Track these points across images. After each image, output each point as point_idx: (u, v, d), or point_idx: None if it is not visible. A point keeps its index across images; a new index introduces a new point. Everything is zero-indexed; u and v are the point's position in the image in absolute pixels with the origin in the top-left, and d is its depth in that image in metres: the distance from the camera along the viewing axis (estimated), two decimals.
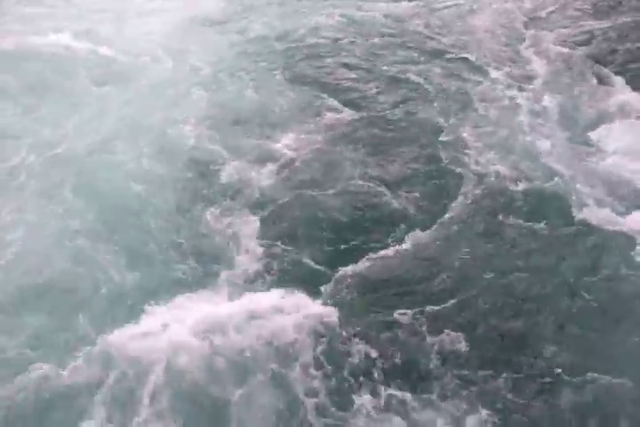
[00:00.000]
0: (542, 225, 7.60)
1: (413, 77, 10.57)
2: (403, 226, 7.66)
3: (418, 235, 7.52)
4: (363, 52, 11.33)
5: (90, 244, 7.36)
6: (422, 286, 6.96)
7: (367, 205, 8.01)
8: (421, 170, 8.57)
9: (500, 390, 5.98)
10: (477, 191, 8.11)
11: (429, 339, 6.40)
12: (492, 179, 8.26)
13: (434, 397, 5.94)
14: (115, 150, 8.91)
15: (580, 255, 7.25)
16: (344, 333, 6.45)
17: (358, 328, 6.52)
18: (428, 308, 6.70)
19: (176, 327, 6.40)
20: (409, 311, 6.65)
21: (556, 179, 8.14)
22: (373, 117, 9.60)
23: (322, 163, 8.69)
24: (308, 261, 7.24)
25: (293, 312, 6.56)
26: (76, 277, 6.98)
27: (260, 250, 7.34)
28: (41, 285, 6.90)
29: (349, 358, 6.24)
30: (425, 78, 10.51)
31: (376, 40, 11.72)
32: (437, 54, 11.22)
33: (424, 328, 6.49)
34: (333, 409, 5.83)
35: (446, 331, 6.46)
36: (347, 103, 9.89)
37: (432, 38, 11.74)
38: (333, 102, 9.93)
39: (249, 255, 7.28)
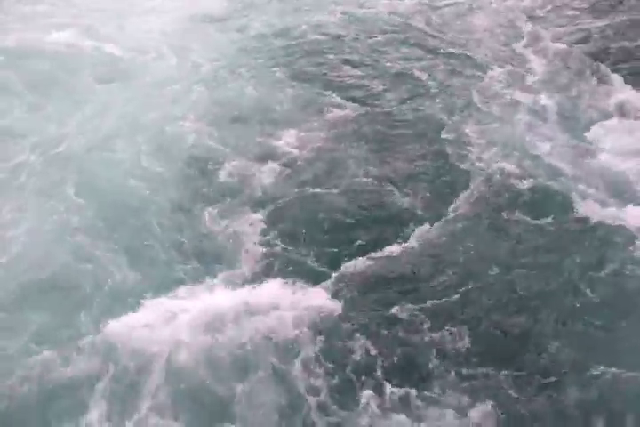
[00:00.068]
0: (546, 222, 7.59)
1: (416, 74, 10.56)
2: (406, 223, 7.64)
3: (421, 232, 7.50)
4: (365, 49, 11.32)
5: (90, 241, 7.36)
6: (425, 282, 6.95)
7: (370, 202, 7.99)
8: (425, 167, 8.56)
9: (503, 387, 5.96)
10: (481, 188, 8.09)
11: (432, 335, 6.38)
12: (496, 176, 8.25)
13: (436, 393, 5.92)
14: (117, 148, 8.89)
15: (583, 252, 7.24)
16: (346, 329, 6.44)
17: (361, 324, 6.50)
18: (432, 304, 6.69)
19: (177, 322, 6.40)
20: (412, 308, 6.63)
21: (558, 176, 8.14)
22: (376, 114, 9.60)
23: (324, 160, 8.67)
24: (310, 257, 7.23)
25: (295, 308, 6.54)
26: (77, 273, 6.97)
27: (261, 247, 7.33)
28: (43, 280, 6.90)
29: (351, 355, 6.22)
30: (428, 75, 10.50)
31: (378, 37, 11.72)
32: (439, 52, 11.21)
33: (427, 325, 6.48)
34: (335, 407, 5.81)
35: (450, 327, 6.44)
36: (349, 100, 9.88)
37: (433, 36, 11.74)
38: (336, 99, 9.91)
39: (250, 252, 7.26)
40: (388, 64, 10.85)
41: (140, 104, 9.82)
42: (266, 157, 8.70)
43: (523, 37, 11.53)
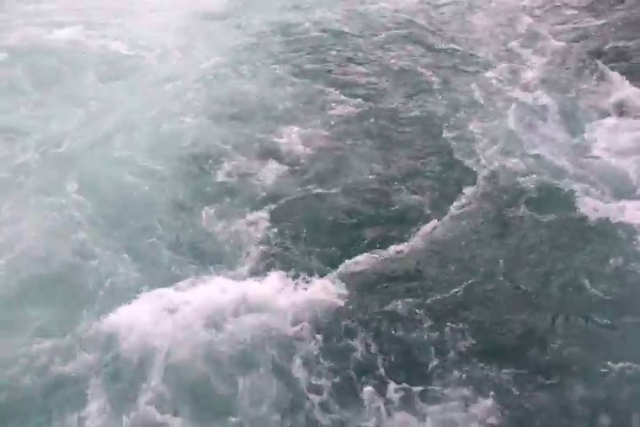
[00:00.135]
0: (548, 219, 7.57)
1: (418, 71, 10.57)
2: (410, 220, 7.62)
3: (425, 229, 7.49)
4: (367, 46, 11.31)
5: (92, 237, 7.36)
6: (428, 279, 6.93)
7: (373, 200, 7.98)
8: (429, 164, 8.54)
9: (507, 384, 5.93)
10: (485, 186, 8.08)
11: (435, 333, 6.36)
12: (498, 173, 8.24)
13: (439, 390, 5.88)
14: (119, 146, 8.87)
15: (587, 248, 7.23)
16: (348, 326, 6.41)
17: (363, 321, 6.47)
18: (435, 301, 6.67)
19: (177, 317, 6.39)
20: (414, 305, 6.61)
21: (559, 173, 8.11)
22: (379, 111, 9.58)
23: (327, 157, 8.66)
24: (312, 254, 7.20)
25: (296, 304, 6.51)
26: (78, 268, 6.98)
27: (263, 243, 7.31)
28: (45, 275, 6.91)
29: (353, 352, 6.19)
30: (430, 73, 10.49)
31: (380, 34, 11.73)
32: (440, 49, 11.23)
33: (430, 322, 6.45)
34: (336, 404, 5.78)
35: (452, 324, 6.41)
36: (352, 97, 9.86)
37: (434, 33, 11.76)
38: (339, 96, 9.90)
39: (251, 249, 7.24)
40: (391, 61, 10.85)
41: (141, 102, 9.82)
42: (269, 154, 8.68)
43: (522, 35, 11.54)
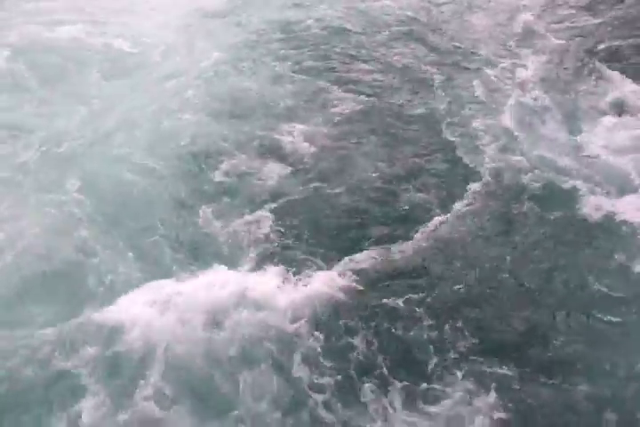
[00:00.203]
0: (551, 216, 7.60)
1: (421, 69, 10.60)
2: (413, 218, 7.63)
3: (429, 227, 7.49)
4: (370, 44, 11.31)
5: (92, 233, 7.38)
6: (431, 277, 6.93)
7: (375, 197, 7.98)
8: (432, 162, 8.56)
9: (511, 382, 5.94)
10: (488, 183, 8.10)
11: (438, 330, 6.37)
12: (501, 171, 8.26)
13: (442, 387, 5.90)
14: (121, 144, 8.86)
15: (589, 245, 7.26)
16: (350, 323, 6.42)
17: (365, 318, 6.47)
18: (438, 299, 6.67)
19: (177, 312, 6.42)
20: (417, 301, 6.61)
21: (560, 171, 8.15)
22: (382, 109, 9.59)
23: (329, 155, 8.65)
24: (313, 251, 7.20)
25: (296, 301, 6.52)
26: (79, 264, 7.01)
27: (264, 241, 7.33)
28: (46, 270, 6.94)
29: (354, 349, 6.20)
30: (432, 70, 10.52)
31: (382, 31, 11.73)
32: (441, 46, 11.25)
33: (433, 319, 6.46)
34: (337, 402, 5.80)
35: (455, 321, 6.42)
36: (354, 94, 9.87)
37: (435, 31, 11.76)
38: (341, 93, 9.90)
39: (253, 246, 7.26)
40: (393, 58, 10.86)
41: (143, 99, 9.81)
42: (272, 151, 8.69)
43: (522, 34, 11.54)
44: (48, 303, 6.56)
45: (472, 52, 11.01)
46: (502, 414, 5.70)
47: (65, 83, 10.25)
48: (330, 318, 6.44)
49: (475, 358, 6.13)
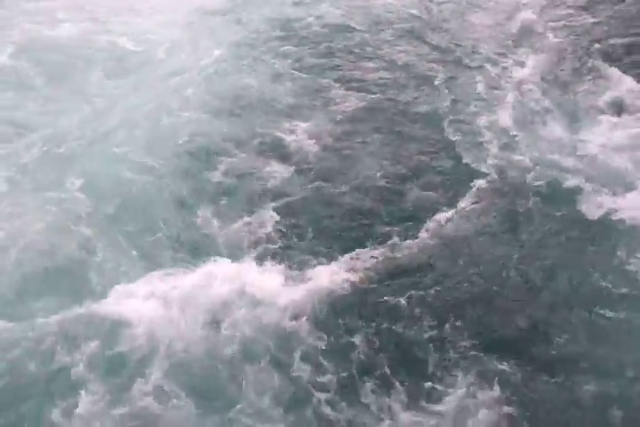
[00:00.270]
0: (554, 214, 7.61)
1: (424, 66, 10.61)
2: (417, 217, 7.62)
3: (433, 225, 7.49)
4: (372, 41, 11.33)
5: (93, 230, 7.40)
6: (434, 275, 6.93)
7: (380, 195, 7.99)
8: (437, 160, 8.57)
9: (514, 380, 5.94)
10: (490, 182, 8.11)
11: (440, 328, 6.36)
12: (503, 169, 8.28)
13: (444, 385, 5.89)
14: (123, 143, 8.86)
15: (593, 243, 7.27)
16: (351, 321, 6.41)
17: (366, 316, 6.47)
18: (440, 296, 6.67)
19: (176, 308, 6.43)
20: (420, 299, 6.61)
21: (562, 170, 8.15)
22: (385, 106, 9.60)
23: (331, 153, 8.65)
24: (315, 249, 7.20)
25: (297, 298, 6.52)
26: (81, 260, 7.04)
27: (266, 238, 7.33)
28: (48, 266, 6.96)
29: (356, 347, 6.20)
30: (433, 67, 10.54)
31: (384, 28, 11.74)
32: (442, 44, 11.27)
33: (435, 316, 6.45)
34: (338, 400, 5.78)
35: (458, 320, 6.42)
36: (357, 92, 9.87)
37: (436, 29, 11.78)
38: (343, 91, 9.90)
39: (254, 244, 7.27)
40: (396, 56, 10.87)
41: (146, 97, 9.81)
42: (274, 150, 8.69)
43: (522, 32, 11.55)
44: (49, 298, 6.58)
45: (473, 51, 11.02)
46: (506, 412, 5.70)
47: (69, 81, 10.26)
48: (331, 316, 6.44)
49: (478, 355, 6.13)
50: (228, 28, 11.88)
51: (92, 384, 5.85)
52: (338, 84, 10.08)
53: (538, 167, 8.22)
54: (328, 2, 12.65)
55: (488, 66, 10.57)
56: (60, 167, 8.36)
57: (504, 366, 6.02)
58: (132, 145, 8.77)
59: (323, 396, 5.79)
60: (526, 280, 6.88)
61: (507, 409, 5.71)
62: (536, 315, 6.51)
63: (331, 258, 7.05)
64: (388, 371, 6.00)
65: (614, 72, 10.06)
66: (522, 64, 10.56)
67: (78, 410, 5.67)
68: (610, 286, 6.72)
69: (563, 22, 11.84)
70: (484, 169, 8.30)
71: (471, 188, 8.03)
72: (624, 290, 6.67)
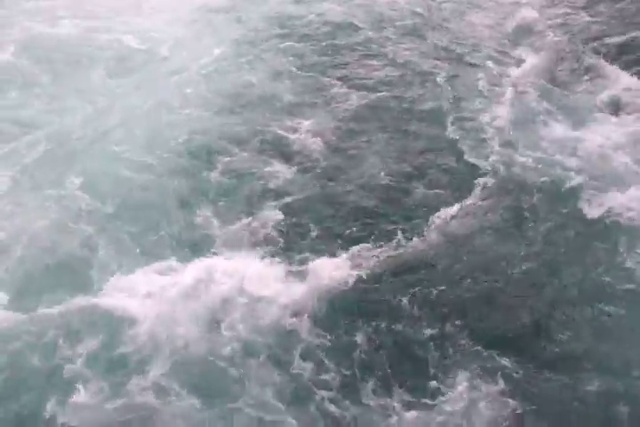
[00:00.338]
0: (556, 212, 7.60)
1: (426, 63, 10.63)
2: (421, 215, 7.61)
3: (437, 223, 7.48)
4: (375, 39, 11.33)
5: (93, 227, 7.40)
6: (437, 273, 6.92)
7: (384, 194, 7.97)
8: (441, 158, 8.56)
9: (517, 378, 5.92)
10: (492, 180, 8.10)
11: (443, 324, 6.35)
12: (505, 168, 8.27)
13: (446, 384, 5.87)
14: (123, 141, 8.84)
15: (595, 240, 7.26)
16: (351, 320, 6.39)
17: (368, 315, 6.45)
18: (443, 293, 6.66)
19: (176, 306, 6.42)
20: (423, 296, 6.60)
21: (562, 168, 8.13)
22: (388, 104, 9.59)
23: (334, 151, 8.64)
24: (316, 248, 7.17)
25: (297, 297, 6.50)
26: (81, 257, 7.05)
27: (266, 236, 7.31)
28: (49, 263, 6.97)
29: (357, 346, 6.17)
30: (436, 65, 10.56)
31: (386, 26, 11.75)
32: (445, 42, 11.30)
33: (438, 313, 6.44)
34: (339, 399, 5.76)
35: (461, 318, 6.40)
36: (359, 90, 9.86)
37: (437, 27, 11.81)
38: (345, 89, 9.89)
39: (254, 242, 7.23)
40: (398, 53, 10.87)
41: (146, 96, 9.80)
42: (277, 148, 8.67)
43: (522, 31, 11.58)
44: (50, 294, 6.56)
45: (474, 49, 11.04)
46: (510, 409, 5.68)
47: (71, 79, 10.23)
48: (333, 313, 6.42)
49: (481, 352, 6.12)
50: (230, 25, 11.89)
51: (92, 378, 5.84)
52: (340, 82, 10.07)
53: (539, 166, 8.21)
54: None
55: (489, 64, 10.59)
56: (61, 166, 8.35)
57: (507, 363, 6.01)
58: (133, 143, 8.75)
59: (325, 393, 5.77)
60: (529, 277, 6.87)
61: (511, 406, 5.69)
62: (539, 312, 6.51)
63: (333, 255, 7.02)
64: (390, 369, 5.98)
65: (613, 70, 10.07)
66: (521, 62, 10.57)
67: (78, 403, 5.67)
68: (613, 282, 6.72)
69: (562, 21, 11.87)
70: (487, 167, 8.30)
71: (475, 185, 8.02)
72: (627, 287, 6.66)
